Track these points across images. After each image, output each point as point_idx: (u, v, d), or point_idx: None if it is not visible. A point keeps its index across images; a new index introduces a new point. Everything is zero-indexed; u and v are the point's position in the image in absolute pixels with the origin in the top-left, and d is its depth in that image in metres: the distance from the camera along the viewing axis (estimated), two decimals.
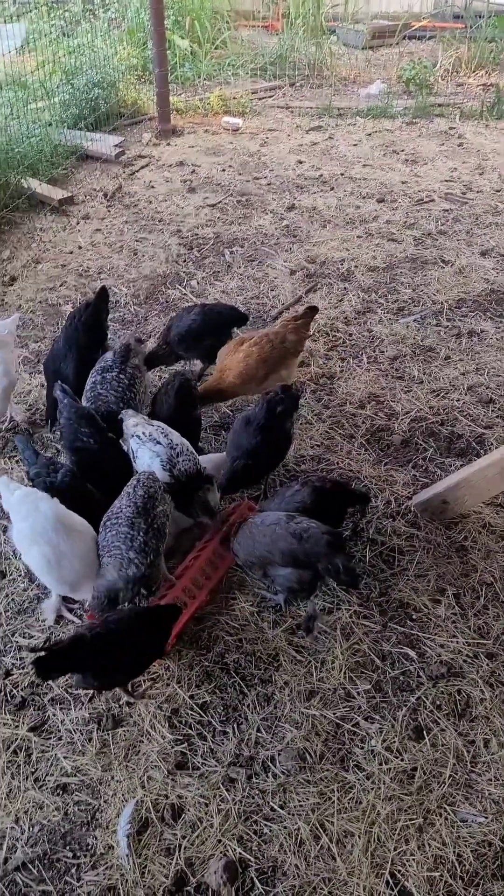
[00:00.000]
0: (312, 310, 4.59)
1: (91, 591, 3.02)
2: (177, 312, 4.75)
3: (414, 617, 3.31)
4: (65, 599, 3.28)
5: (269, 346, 4.19)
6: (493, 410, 4.52)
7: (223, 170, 8.00)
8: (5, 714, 2.94)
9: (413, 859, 2.48)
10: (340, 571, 3.04)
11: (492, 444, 4.23)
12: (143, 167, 8.07)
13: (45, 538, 3.02)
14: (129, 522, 3.05)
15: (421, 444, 4.28)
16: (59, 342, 4.18)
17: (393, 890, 2.41)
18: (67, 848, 2.55)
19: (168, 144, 8.74)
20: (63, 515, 3.11)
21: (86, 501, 3.32)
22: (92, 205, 7.20)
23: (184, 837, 2.56)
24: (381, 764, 2.76)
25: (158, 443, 3.42)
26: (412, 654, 3.15)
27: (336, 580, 3.15)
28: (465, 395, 4.66)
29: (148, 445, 3.44)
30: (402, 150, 8.50)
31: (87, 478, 3.45)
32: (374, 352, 5.07)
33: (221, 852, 2.51)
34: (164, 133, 8.94)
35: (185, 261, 6.20)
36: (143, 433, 3.48)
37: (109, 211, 7.09)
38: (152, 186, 7.61)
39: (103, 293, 4.35)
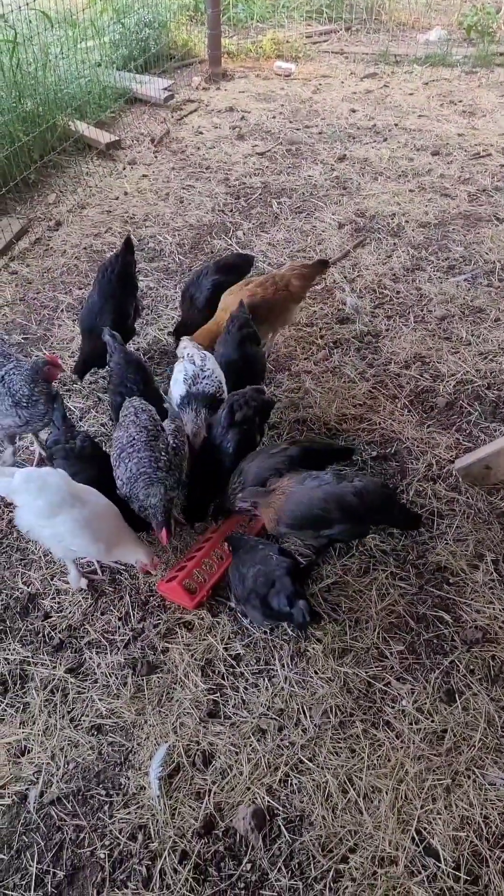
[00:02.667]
0: (323, 263, 4.51)
1: (125, 553, 3.09)
2: (189, 278, 4.62)
3: (451, 581, 3.29)
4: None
5: (272, 289, 4.13)
6: None
7: (273, 117, 7.80)
8: (43, 655, 3.01)
9: (439, 818, 2.50)
10: (400, 520, 3.25)
11: None
12: (191, 112, 7.91)
13: (69, 504, 2.97)
14: (149, 446, 3.14)
15: (466, 408, 4.20)
16: (93, 296, 4.15)
17: (418, 846, 2.44)
18: (101, 786, 2.62)
19: (218, 89, 8.53)
20: (73, 483, 3.07)
21: (103, 466, 3.29)
22: (139, 150, 7.09)
23: (214, 783, 2.61)
24: (411, 724, 2.77)
25: (193, 363, 3.63)
26: (447, 617, 3.14)
27: (397, 527, 3.39)
28: None
29: (185, 363, 3.65)
30: (460, 101, 8.19)
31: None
32: (422, 311, 4.96)
33: (250, 800, 2.56)
34: (214, 77, 8.72)
35: (231, 210, 6.09)
36: (188, 354, 3.68)
37: (156, 157, 6.97)
38: (200, 132, 7.46)
39: (129, 244, 4.28)
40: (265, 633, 3.08)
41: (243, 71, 9.06)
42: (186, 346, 3.79)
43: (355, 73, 9.03)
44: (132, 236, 4.49)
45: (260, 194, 6.33)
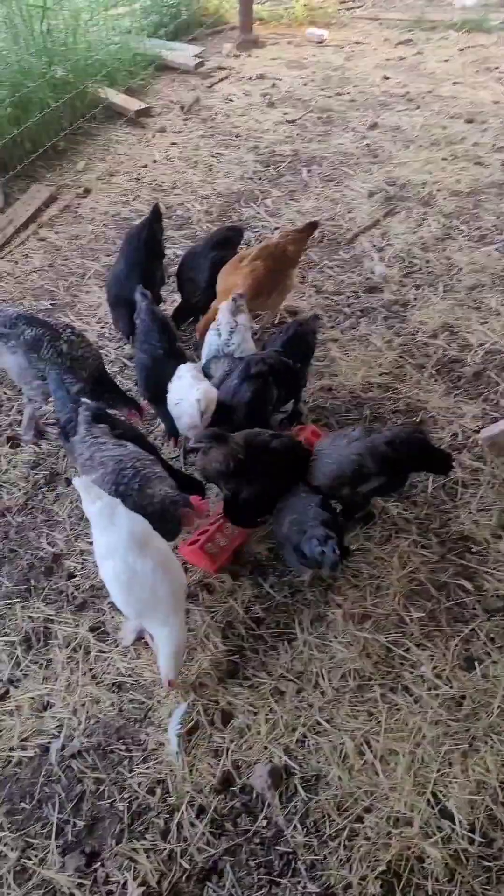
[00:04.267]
0: (312, 225, 4.45)
1: (156, 626, 2.72)
2: (181, 259, 4.51)
3: (473, 550, 3.27)
4: None
5: (271, 259, 4.04)
6: None
7: (305, 84, 7.69)
8: (67, 613, 3.06)
9: (456, 782, 2.51)
10: (434, 463, 3.29)
11: None
12: (222, 79, 7.82)
13: (119, 555, 2.65)
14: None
15: (493, 378, 4.14)
16: (120, 264, 4.14)
17: (434, 808, 2.45)
18: (121, 741, 2.67)
19: (249, 56, 8.42)
20: (141, 533, 2.70)
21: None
22: (168, 117, 7.04)
23: (231, 741, 2.64)
24: (429, 690, 2.77)
25: (219, 334, 3.62)
26: (469, 586, 3.13)
27: (432, 472, 3.42)
28: None
29: (210, 334, 3.70)
30: (497, 68, 7.99)
31: (144, 383, 3.58)
32: (452, 280, 4.88)
33: (267, 758, 2.59)
34: (245, 44, 8.60)
35: (260, 178, 6.03)
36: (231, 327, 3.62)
37: (186, 124, 6.91)
38: (230, 100, 7.37)
39: (157, 212, 4.25)
40: (286, 596, 3.09)
41: (275, 38, 8.92)
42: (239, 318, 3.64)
43: (389, 39, 8.85)
44: (160, 204, 4.47)
45: (290, 162, 6.25)
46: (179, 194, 5.84)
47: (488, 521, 3.38)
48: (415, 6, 9.65)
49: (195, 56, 8.13)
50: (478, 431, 3.79)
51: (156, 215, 4.25)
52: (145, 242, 4.15)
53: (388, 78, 7.80)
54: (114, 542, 2.66)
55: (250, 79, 7.83)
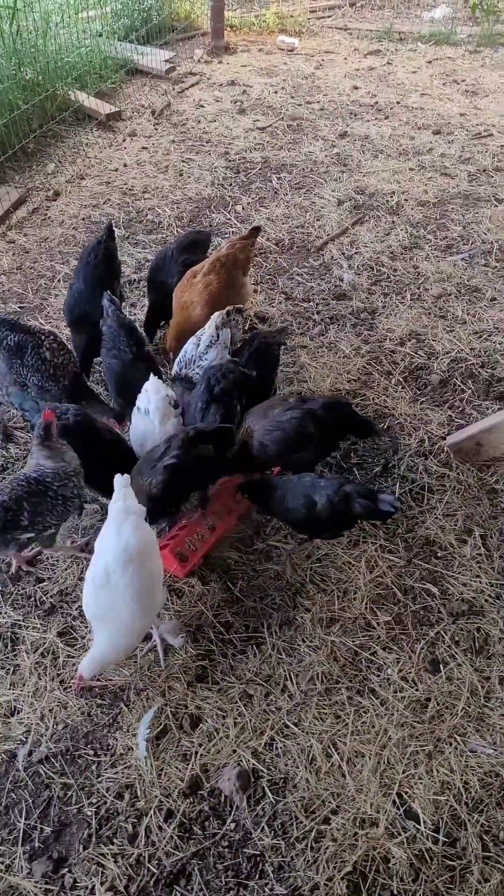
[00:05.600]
0: (256, 230, 4.46)
1: (103, 634, 2.69)
2: (152, 265, 4.47)
3: (439, 554, 3.33)
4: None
5: (224, 271, 4.04)
6: None
7: (275, 92, 7.75)
8: (35, 619, 3.04)
9: (420, 783, 2.55)
10: (360, 427, 3.55)
11: None
12: (192, 85, 7.85)
13: (104, 559, 2.63)
14: None
15: (459, 385, 4.22)
16: (78, 282, 4.04)
17: (399, 809, 2.49)
18: (89, 746, 2.66)
19: (220, 62, 8.46)
20: (134, 551, 2.62)
21: (93, 439, 3.21)
22: (139, 121, 7.04)
23: (200, 745, 2.65)
24: (395, 692, 2.81)
25: (197, 343, 3.60)
26: (434, 590, 3.18)
27: (358, 435, 3.66)
28: None
29: (189, 341, 3.66)
30: (463, 81, 8.15)
31: (117, 388, 3.53)
32: (419, 289, 4.96)
33: (236, 762, 2.61)
34: (216, 50, 8.65)
35: (231, 184, 6.06)
36: (214, 339, 3.60)
37: (157, 129, 6.93)
38: (202, 105, 7.41)
39: (110, 230, 4.23)
40: (255, 601, 3.12)
41: (246, 45, 8.98)
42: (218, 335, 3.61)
43: (359, 49, 8.96)
44: (112, 223, 4.43)
45: (260, 169, 6.30)
46: (150, 199, 5.85)
47: (453, 526, 3.44)
48: (384, 17, 9.79)
49: (166, 61, 8.15)
50: (444, 438, 3.85)
51: (110, 233, 4.22)
52: (102, 260, 4.11)
53: (357, 88, 7.90)
54: (108, 545, 2.65)
55: (221, 85, 7.87)
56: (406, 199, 5.89)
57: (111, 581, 2.58)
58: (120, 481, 2.68)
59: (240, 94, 7.67)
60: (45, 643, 2.96)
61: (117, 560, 2.58)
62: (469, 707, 2.78)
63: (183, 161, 6.39)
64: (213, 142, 6.71)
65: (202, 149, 6.60)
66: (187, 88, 7.76)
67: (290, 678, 2.85)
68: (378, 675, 2.87)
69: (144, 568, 2.63)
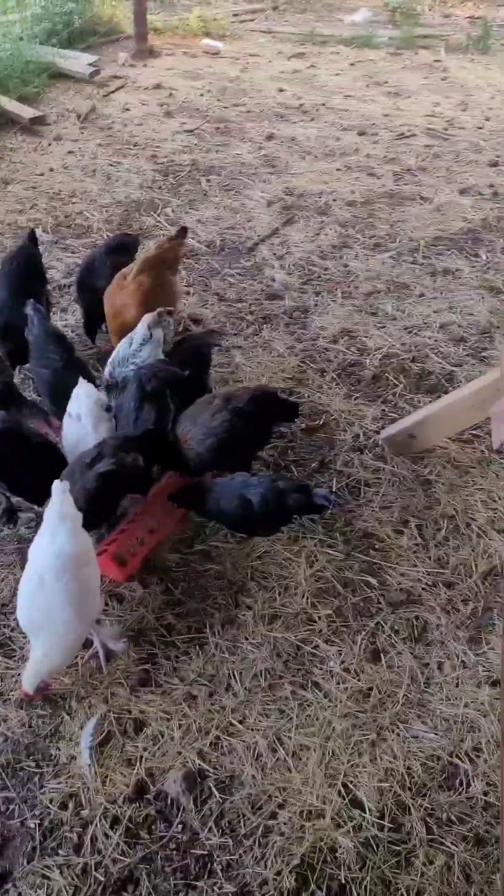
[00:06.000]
0: (184, 230, 4.42)
1: (38, 645, 2.64)
2: (80, 271, 4.45)
3: (377, 546, 3.38)
4: None
5: (154, 272, 4.00)
6: (463, 349, 4.54)
7: (201, 94, 7.77)
8: None
9: (365, 771, 2.58)
10: (287, 410, 3.61)
11: (461, 381, 4.25)
12: (118, 88, 7.81)
13: (36, 565, 2.60)
14: None
15: (391, 380, 4.29)
16: (2, 293, 3.96)
17: (345, 798, 2.51)
18: (31, 758, 2.61)
19: (145, 66, 8.45)
20: (69, 558, 2.58)
21: (21, 446, 3.15)
22: (64, 126, 6.97)
23: (145, 749, 2.63)
24: (338, 683, 2.84)
25: (130, 342, 3.57)
26: (373, 581, 3.22)
27: (285, 419, 3.68)
28: (437, 332, 4.66)
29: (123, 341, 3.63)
30: (385, 82, 8.31)
31: (51, 397, 3.44)
32: (349, 287, 5.03)
33: (181, 763, 2.59)
34: (140, 54, 8.62)
35: (160, 187, 6.05)
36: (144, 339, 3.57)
37: (83, 133, 6.87)
38: (128, 109, 7.37)
39: (32, 236, 4.18)
40: (197, 602, 3.11)
41: (170, 48, 8.98)
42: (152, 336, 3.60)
43: (283, 52, 9.05)
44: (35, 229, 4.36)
45: (189, 171, 6.30)
46: (78, 203, 5.79)
47: (390, 518, 3.49)
48: (306, 21, 9.91)
49: (90, 64, 8.08)
50: (378, 432, 3.91)
51: (32, 239, 4.16)
52: (25, 267, 4.04)
53: (283, 90, 7.98)
54: (42, 552, 2.60)
55: (147, 88, 7.85)
56: (334, 200, 5.98)
57: (45, 588, 2.53)
58: (58, 487, 2.64)
59: (166, 97, 7.66)
60: None
61: (51, 567, 2.54)
62: (410, 694, 2.82)
63: (110, 164, 6.35)
64: (140, 145, 6.68)
65: (129, 152, 6.56)
66: (112, 92, 7.71)
67: (234, 676, 2.85)
68: (321, 668, 2.90)
69: (80, 574, 2.59)
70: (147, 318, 3.59)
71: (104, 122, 7.08)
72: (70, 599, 2.56)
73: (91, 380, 3.47)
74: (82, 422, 3.22)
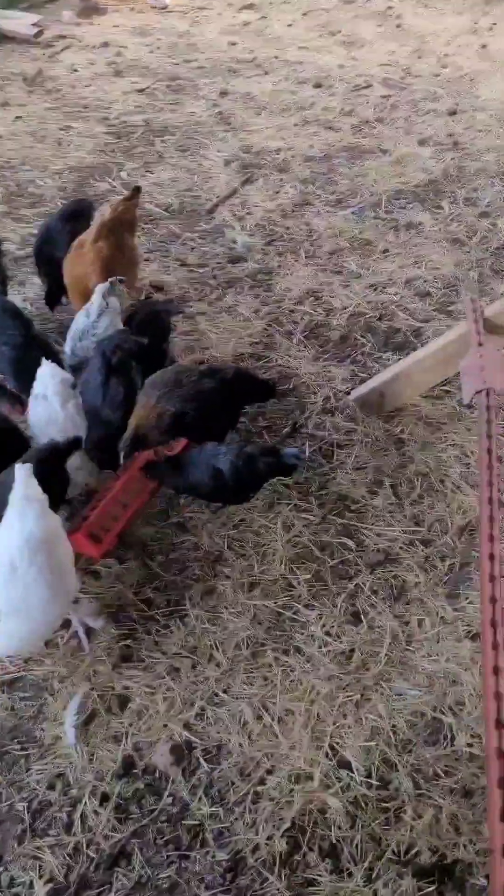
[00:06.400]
0: (137, 189, 4.25)
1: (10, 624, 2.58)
2: (37, 239, 4.28)
3: (352, 508, 3.37)
4: None
5: (112, 236, 3.88)
6: (429, 304, 4.50)
7: (151, 52, 7.53)
8: None
9: (350, 732, 2.60)
10: (262, 390, 3.56)
11: (429, 337, 4.23)
12: (64, 49, 7.54)
13: (8, 550, 2.51)
14: None
15: (359, 340, 4.25)
16: None
17: (332, 760, 2.53)
18: (15, 741, 2.59)
19: (91, 24, 8.15)
20: (40, 540, 2.51)
21: None
22: (10, 90, 6.72)
23: (130, 725, 2.62)
24: (320, 647, 2.85)
25: (87, 314, 3.51)
26: (351, 543, 3.22)
27: (260, 399, 3.64)
28: (403, 289, 4.61)
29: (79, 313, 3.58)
30: (339, 31, 8.11)
31: (15, 375, 3.35)
32: (312, 246, 4.95)
33: (168, 736, 2.59)
34: (86, 11, 8.32)
35: (113, 150, 5.88)
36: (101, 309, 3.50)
37: (30, 97, 6.63)
38: (76, 70, 7.12)
39: None
40: (174, 574, 3.09)
41: (116, 4, 8.67)
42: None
43: (232, 4, 8.78)
44: None
45: (142, 133, 6.13)
46: (29, 171, 5.61)
47: (364, 479, 3.48)
48: None
49: (34, 25, 7.78)
50: (348, 393, 3.88)
51: None
52: None
53: (234, 44, 7.76)
54: (11, 537, 2.52)
55: (94, 47, 7.59)
56: (293, 156, 5.85)
57: (18, 574, 2.48)
58: (21, 470, 2.58)
59: (114, 55, 7.41)
60: None
61: (22, 552, 2.49)
62: (392, 653, 2.84)
63: (61, 129, 6.15)
64: (90, 107, 6.48)
65: (80, 115, 6.36)
66: (59, 53, 7.44)
67: (216, 647, 2.85)
68: (302, 633, 2.90)
69: (53, 556, 2.54)
70: (100, 287, 3.50)
71: (52, 84, 6.83)
72: (45, 583, 2.51)
73: (55, 355, 3.38)
74: (49, 401, 3.14)
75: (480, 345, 3.30)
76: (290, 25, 8.23)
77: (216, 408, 3.23)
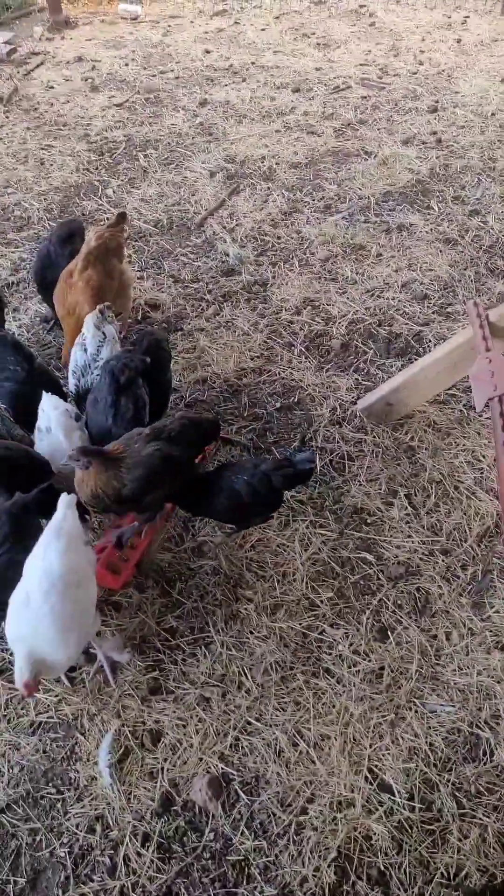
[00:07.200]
0: (122, 216, 4.17)
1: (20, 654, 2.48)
2: (35, 265, 4.26)
3: (369, 521, 3.35)
4: None
5: (99, 263, 3.84)
6: (428, 306, 4.49)
7: (126, 64, 7.47)
8: None
9: (388, 753, 2.58)
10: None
11: (430, 340, 4.22)
12: (38, 65, 7.46)
13: (25, 580, 2.50)
14: None
15: (360, 347, 4.23)
16: None
17: (372, 784, 2.51)
18: (50, 784, 2.55)
19: (63, 38, 8.08)
20: (58, 577, 2.45)
21: None
22: None
23: (165, 760, 2.59)
24: (349, 667, 2.82)
25: (85, 348, 3.41)
26: (370, 557, 3.20)
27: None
28: (400, 292, 4.59)
29: (76, 349, 3.46)
30: (313, 34, 8.08)
31: (16, 410, 3.30)
32: (305, 254, 4.92)
33: (204, 770, 2.56)
34: (56, 25, 8.25)
35: (97, 168, 5.82)
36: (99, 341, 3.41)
37: (7, 117, 6.55)
38: (51, 87, 7.06)
39: None
40: (195, 601, 3.05)
41: (87, 17, 8.60)
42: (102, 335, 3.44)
43: (204, 11, 8.74)
44: None
45: (125, 148, 6.07)
46: (14, 193, 5.55)
47: (378, 490, 3.46)
48: None
49: (6, 42, 7.71)
50: (354, 403, 3.86)
51: None
52: None
53: (209, 52, 7.71)
54: (33, 566, 2.49)
55: (68, 63, 7.53)
56: (278, 163, 5.82)
57: (31, 607, 2.43)
58: (65, 500, 2.54)
59: (89, 70, 7.35)
60: None
61: (39, 586, 2.44)
62: (422, 668, 2.82)
63: (42, 148, 6.08)
64: (70, 124, 6.41)
65: (60, 133, 6.29)
66: (33, 70, 7.37)
67: (245, 673, 2.82)
68: (330, 654, 2.87)
69: (70, 595, 2.46)
70: (90, 318, 3.43)
71: (28, 103, 6.76)
72: (56, 624, 2.43)
73: (59, 387, 3.34)
74: (53, 434, 3.10)
75: (488, 350, 3.28)
76: (263, 30, 8.19)
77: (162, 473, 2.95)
